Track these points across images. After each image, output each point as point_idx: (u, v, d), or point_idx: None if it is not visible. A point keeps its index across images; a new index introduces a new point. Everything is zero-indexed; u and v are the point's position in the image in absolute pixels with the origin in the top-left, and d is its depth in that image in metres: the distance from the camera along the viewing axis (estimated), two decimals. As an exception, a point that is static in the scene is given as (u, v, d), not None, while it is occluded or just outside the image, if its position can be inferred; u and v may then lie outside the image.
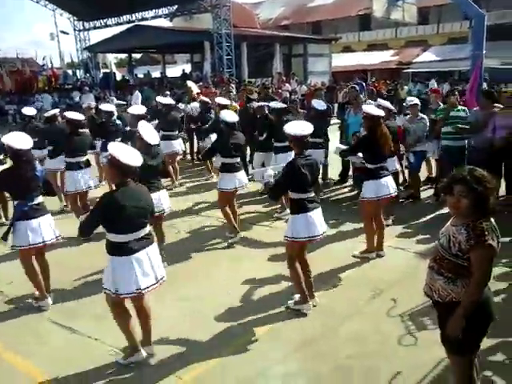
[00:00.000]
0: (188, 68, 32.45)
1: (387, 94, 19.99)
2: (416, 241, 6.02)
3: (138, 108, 8.01)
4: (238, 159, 6.35)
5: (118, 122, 8.59)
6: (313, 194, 4.43)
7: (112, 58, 33.98)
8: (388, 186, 5.43)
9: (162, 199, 5.44)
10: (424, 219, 6.80)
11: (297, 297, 4.52)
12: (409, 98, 8.18)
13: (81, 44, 31.25)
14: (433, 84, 18.68)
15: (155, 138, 5.29)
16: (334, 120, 9.87)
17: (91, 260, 5.49)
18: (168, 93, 14.77)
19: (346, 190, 8.62)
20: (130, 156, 3.61)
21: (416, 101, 7.70)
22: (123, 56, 42.51)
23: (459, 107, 7.20)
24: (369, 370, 3.53)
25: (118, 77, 29.65)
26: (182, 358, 3.79)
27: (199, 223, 7.14)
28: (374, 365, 3.58)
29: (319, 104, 7.86)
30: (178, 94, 17.51)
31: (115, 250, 3.56)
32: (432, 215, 6.88)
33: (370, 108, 5.63)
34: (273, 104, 8.26)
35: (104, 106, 9.18)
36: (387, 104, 7.14)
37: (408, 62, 31.18)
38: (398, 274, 5.09)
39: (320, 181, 8.76)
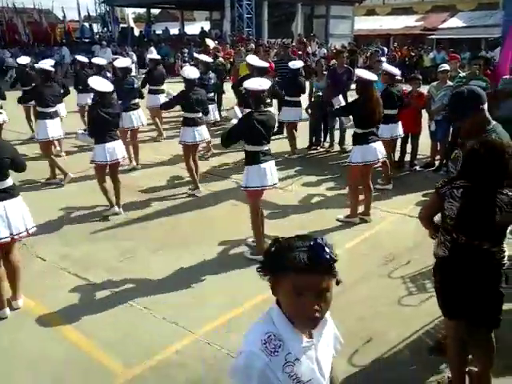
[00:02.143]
0: (207, 26, 31.78)
1: (409, 61, 19.51)
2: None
3: (123, 61, 8.28)
4: (200, 114, 6.62)
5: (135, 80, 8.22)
6: (267, 147, 4.69)
7: (130, 12, 33.38)
8: (376, 151, 5.41)
9: (117, 149, 5.75)
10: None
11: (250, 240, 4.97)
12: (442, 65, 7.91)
13: (99, -4, 30.66)
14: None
15: (108, 86, 5.67)
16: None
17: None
18: (153, 48, 14.78)
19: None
20: None
21: (446, 67, 7.46)
22: (141, 11, 41.71)
23: (481, 76, 6.96)
24: (375, 333, 3.57)
25: (136, 32, 29.20)
26: (195, 315, 3.86)
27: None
28: (381, 329, 3.62)
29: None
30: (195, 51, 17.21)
31: None
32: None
33: (362, 72, 5.60)
34: (291, 64, 8.18)
35: (119, 62, 8.22)
36: (391, 69, 7.02)
37: (433, 27, 30.10)
38: (411, 241, 5.07)
39: (337, 147, 8.81)
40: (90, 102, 8.13)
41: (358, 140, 5.42)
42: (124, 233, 5.47)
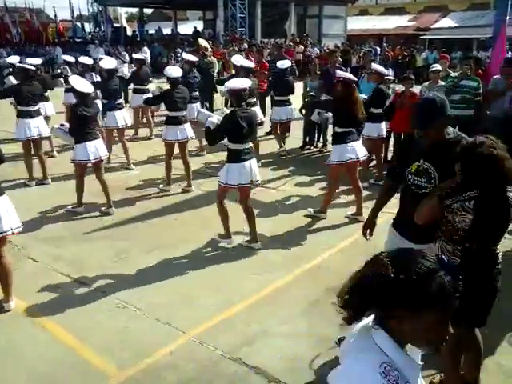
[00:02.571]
0: (200, 25, 31.74)
1: (402, 61, 19.59)
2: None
3: (109, 62, 8.25)
4: (184, 113, 6.74)
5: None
6: (249, 145, 4.85)
7: (123, 12, 33.21)
8: (355, 150, 5.42)
9: (98, 147, 5.83)
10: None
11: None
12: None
13: (91, -4, 30.49)
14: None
15: (88, 87, 5.76)
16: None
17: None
18: (146, 48, 14.79)
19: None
20: None
21: (438, 67, 7.51)
22: (134, 10, 41.55)
23: (472, 76, 7.02)
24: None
25: (129, 32, 29.08)
26: (189, 316, 3.86)
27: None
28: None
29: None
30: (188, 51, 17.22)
31: None
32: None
33: (343, 73, 5.80)
34: (279, 63, 8.28)
35: (104, 63, 8.10)
36: (380, 69, 7.07)
37: (426, 27, 30.25)
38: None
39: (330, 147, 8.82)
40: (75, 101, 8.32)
41: (337, 139, 5.46)
42: (117, 233, 5.45)
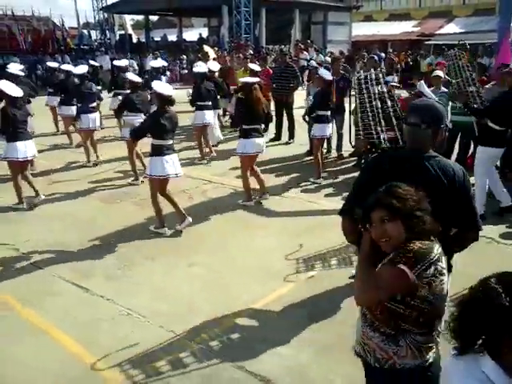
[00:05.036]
0: (205, 32, 31.92)
1: (405, 66, 19.57)
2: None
3: (80, 68, 8.89)
4: (141, 116, 7.07)
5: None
6: (170, 142, 5.48)
7: (128, 19, 33.52)
8: (259, 146, 6.25)
9: (27, 147, 6.27)
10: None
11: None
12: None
13: (97, 4, 30.73)
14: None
15: (18, 92, 6.24)
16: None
17: (105, 219, 5.59)
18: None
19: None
20: None
21: (439, 73, 7.46)
22: (140, 18, 41.85)
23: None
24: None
25: (135, 39, 29.29)
26: (192, 323, 3.86)
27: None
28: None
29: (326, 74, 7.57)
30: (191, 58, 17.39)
31: None
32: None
33: (246, 78, 6.75)
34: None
35: (76, 69, 8.94)
36: (325, 73, 7.41)
37: (430, 33, 30.25)
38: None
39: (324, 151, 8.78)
40: (56, 103, 9.77)
41: (243, 135, 6.25)
42: (121, 240, 5.46)
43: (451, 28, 30.38)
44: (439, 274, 1.83)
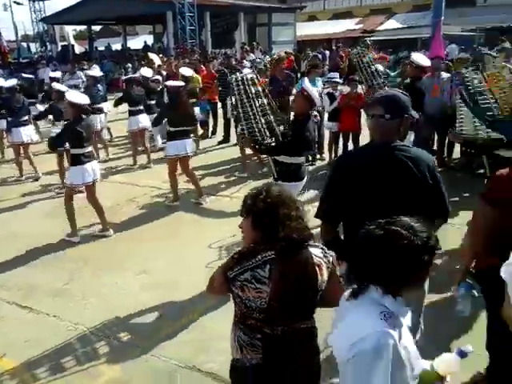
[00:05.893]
0: (150, 39, 31.54)
1: (349, 62, 19.98)
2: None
3: (9, 81, 8.65)
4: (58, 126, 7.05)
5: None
6: (89, 149, 5.61)
7: (70, 30, 32.63)
8: (178, 148, 6.36)
9: None
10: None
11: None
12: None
13: (36, 15, 29.83)
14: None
15: None
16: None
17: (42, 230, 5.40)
18: (96, 65, 14.89)
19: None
20: None
21: (379, 67, 7.67)
22: (82, 28, 40.91)
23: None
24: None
25: (78, 50, 28.59)
26: (145, 331, 3.79)
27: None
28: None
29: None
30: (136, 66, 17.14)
31: None
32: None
33: (170, 82, 7.05)
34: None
35: (4, 82, 8.68)
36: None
37: (372, 30, 31.11)
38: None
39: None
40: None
41: (171, 137, 6.40)
42: (64, 254, 5.29)
43: (391, 24, 31.36)
44: (256, 281, 1.83)
